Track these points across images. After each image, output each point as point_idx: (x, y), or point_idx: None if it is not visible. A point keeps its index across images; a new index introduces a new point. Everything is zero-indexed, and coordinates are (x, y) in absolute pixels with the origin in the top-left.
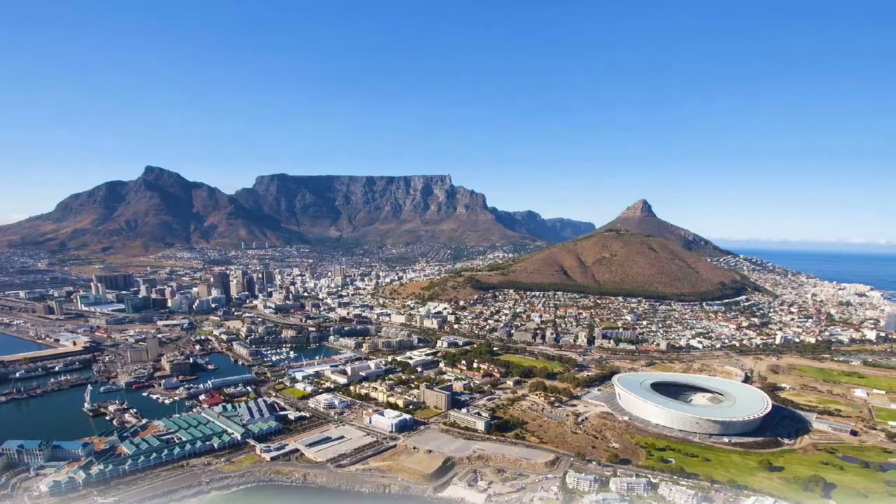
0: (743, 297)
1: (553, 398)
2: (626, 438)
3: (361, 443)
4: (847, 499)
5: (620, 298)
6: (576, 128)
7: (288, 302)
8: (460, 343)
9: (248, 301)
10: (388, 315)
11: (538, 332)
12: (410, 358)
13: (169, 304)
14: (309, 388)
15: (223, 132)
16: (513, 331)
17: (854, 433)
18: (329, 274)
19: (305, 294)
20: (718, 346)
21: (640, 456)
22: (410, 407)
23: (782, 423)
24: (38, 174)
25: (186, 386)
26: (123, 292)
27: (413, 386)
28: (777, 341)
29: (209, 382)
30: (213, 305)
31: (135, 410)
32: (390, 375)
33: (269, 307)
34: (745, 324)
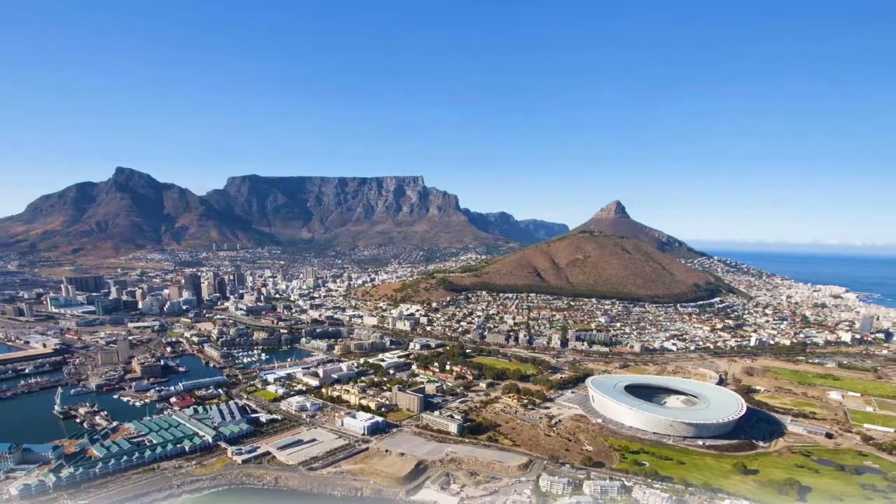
0: (717, 299)
1: (526, 400)
2: (599, 441)
3: (333, 445)
4: (822, 502)
5: (594, 300)
6: (549, 128)
7: (259, 304)
8: (433, 345)
9: (219, 303)
10: (361, 317)
11: (511, 334)
12: (383, 360)
13: (140, 305)
14: (281, 391)
15: (194, 133)
16: (486, 333)
17: (829, 436)
18: (301, 276)
19: (277, 296)
20: (693, 348)
21: (613, 459)
22: (383, 409)
23: (757, 425)
24: (8, 175)
25: (157, 388)
26: (94, 294)
27: (385, 388)
28: (751, 343)
29: (180, 385)
30: (184, 307)
31: (105, 413)
32: (362, 378)
33: (241, 309)
34: (719, 326)
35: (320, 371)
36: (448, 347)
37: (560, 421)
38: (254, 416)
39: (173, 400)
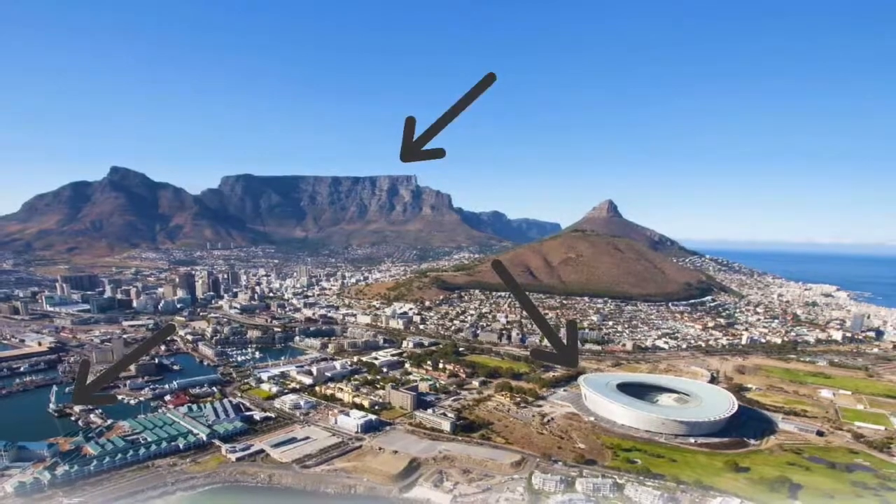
0: (709, 298)
1: (519, 399)
2: (592, 439)
3: (327, 443)
4: (813, 499)
5: (586, 299)
6: (542, 128)
7: (253, 302)
8: (426, 343)
9: (213, 301)
10: (354, 315)
11: (504, 332)
12: (376, 358)
13: (134, 304)
14: (274, 389)
15: (189, 132)
16: (479, 331)
17: (820, 434)
18: (295, 274)
19: (271, 294)
20: (684, 346)
21: (606, 456)
22: (376, 408)
23: (748, 423)
24: (2, 174)
25: (152, 386)
26: (89, 293)
27: (379, 386)
28: (743, 342)
29: (174, 383)
30: (178, 306)
31: (100, 411)
32: (356, 376)
33: (235, 307)
34: (711, 324)
35: (314, 369)
36: (441, 346)
37: (553, 419)
38: (248, 414)
39: (168, 398)
